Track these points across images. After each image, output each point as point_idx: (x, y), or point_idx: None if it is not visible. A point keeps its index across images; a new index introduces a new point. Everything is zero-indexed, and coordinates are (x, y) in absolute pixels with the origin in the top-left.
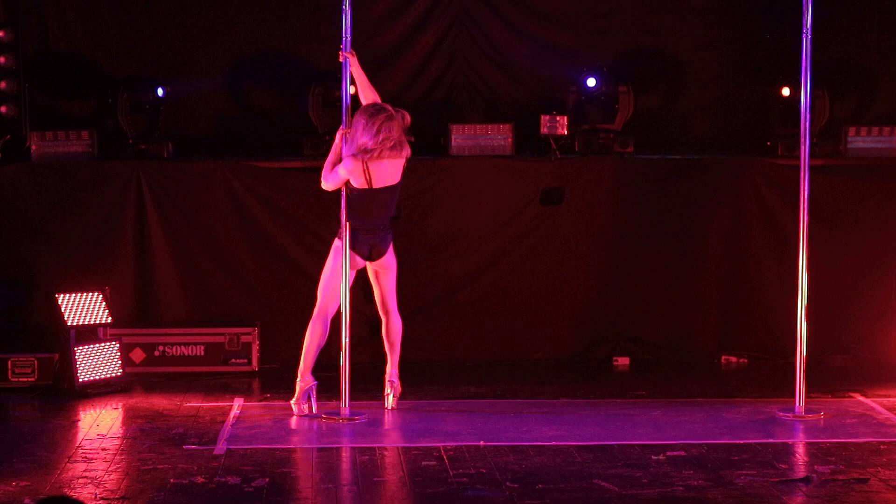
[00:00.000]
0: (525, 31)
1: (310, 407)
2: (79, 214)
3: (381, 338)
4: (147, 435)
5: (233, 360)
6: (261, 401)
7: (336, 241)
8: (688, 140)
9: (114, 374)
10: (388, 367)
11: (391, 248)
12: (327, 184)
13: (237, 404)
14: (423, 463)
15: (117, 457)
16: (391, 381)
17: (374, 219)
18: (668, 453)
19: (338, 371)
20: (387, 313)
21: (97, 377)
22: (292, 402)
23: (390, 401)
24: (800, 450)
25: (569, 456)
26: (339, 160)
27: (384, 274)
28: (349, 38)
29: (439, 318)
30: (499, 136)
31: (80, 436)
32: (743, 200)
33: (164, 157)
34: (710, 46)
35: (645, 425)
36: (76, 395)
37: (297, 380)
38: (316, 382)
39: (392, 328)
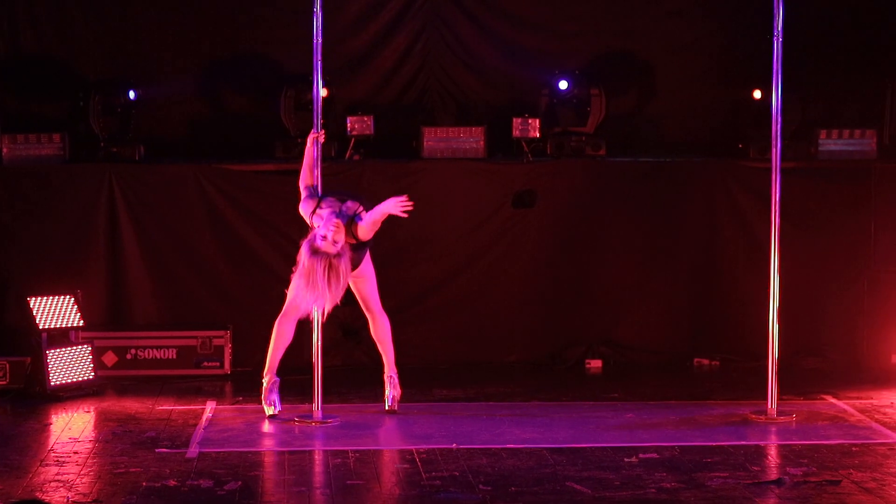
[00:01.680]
0: (497, 33)
1: (278, 401)
2: (50, 217)
3: (371, 339)
4: (119, 438)
5: (205, 364)
6: (233, 404)
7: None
8: (660, 143)
9: (86, 378)
10: (385, 368)
11: (367, 259)
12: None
13: (209, 407)
14: (396, 466)
15: (89, 460)
16: (390, 377)
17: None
18: (641, 455)
19: (310, 374)
20: (370, 313)
21: (69, 380)
22: (262, 400)
23: (388, 403)
24: (772, 452)
25: (541, 458)
26: (312, 163)
27: (360, 282)
28: (320, 41)
29: (412, 321)
30: (471, 139)
31: (52, 439)
32: (715, 203)
33: (135, 159)
34: (683, 49)
35: (617, 428)
36: (48, 398)
37: (263, 379)
38: (278, 379)
39: (377, 327)
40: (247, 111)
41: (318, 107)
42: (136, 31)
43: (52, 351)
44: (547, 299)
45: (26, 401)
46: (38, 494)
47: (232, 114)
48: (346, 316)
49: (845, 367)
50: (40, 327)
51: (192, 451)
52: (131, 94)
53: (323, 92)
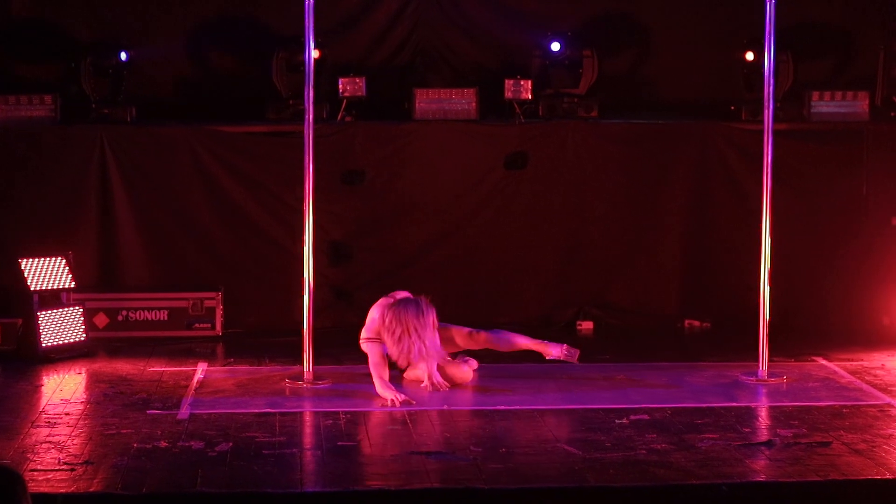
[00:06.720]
0: None
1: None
2: (42, 179)
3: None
4: (110, 400)
5: (196, 325)
6: (224, 365)
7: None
8: (652, 105)
9: (77, 339)
10: None
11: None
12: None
13: (201, 369)
14: (388, 427)
15: (80, 422)
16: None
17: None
18: (632, 417)
19: (301, 335)
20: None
21: (60, 342)
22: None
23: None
24: (762, 413)
25: (532, 420)
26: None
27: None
28: (312, 2)
29: (404, 283)
30: (463, 101)
31: (44, 401)
32: (707, 165)
33: (127, 121)
34: (676, 11)
35: (608, 389)
36: (39, 359)
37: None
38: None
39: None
40: (238, 73)
41: (311, 69)
42: None
43: (44, 312)
44: (538, 261)
45: (17, 362)
46: (29, 455)
47: (223, 75)
48: (338, 278)
49: (836, 328)
50: (32, 289)
51: (184, 412)
52: (123, 56)
53: (315, 53)
